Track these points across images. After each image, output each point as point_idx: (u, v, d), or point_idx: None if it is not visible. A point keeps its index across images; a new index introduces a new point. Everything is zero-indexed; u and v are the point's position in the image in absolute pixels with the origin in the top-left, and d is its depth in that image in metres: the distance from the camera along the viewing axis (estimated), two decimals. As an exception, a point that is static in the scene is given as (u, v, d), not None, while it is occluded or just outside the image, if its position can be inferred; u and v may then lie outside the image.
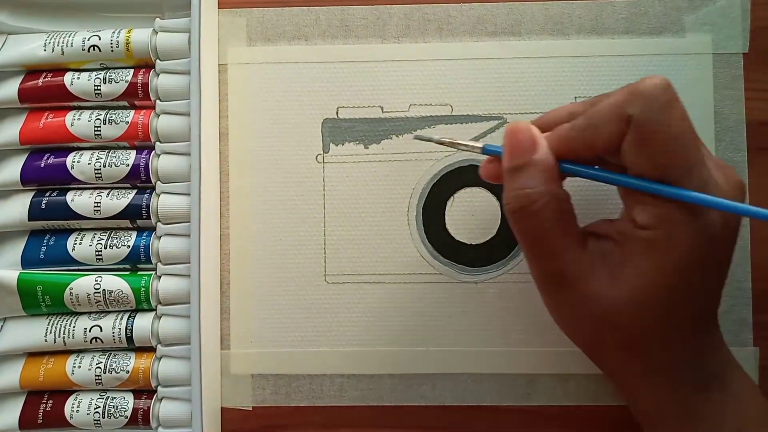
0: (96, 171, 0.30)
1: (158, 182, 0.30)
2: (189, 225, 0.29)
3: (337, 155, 0.31)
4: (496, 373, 0.31)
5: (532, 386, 0.31)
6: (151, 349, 0.30)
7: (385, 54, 0.31)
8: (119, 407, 0.30)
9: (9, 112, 0.31)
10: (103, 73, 0.31)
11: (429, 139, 0.28)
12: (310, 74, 0.32)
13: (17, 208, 0.30)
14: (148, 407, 0.30)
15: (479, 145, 0.26)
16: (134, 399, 0.30)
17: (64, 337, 0.30)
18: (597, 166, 0.25)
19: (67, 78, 0.31)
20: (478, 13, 0.31)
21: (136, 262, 0.30)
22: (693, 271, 0.23)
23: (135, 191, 0.31)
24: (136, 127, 0.30)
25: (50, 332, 0.30)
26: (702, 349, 0.25)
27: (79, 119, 0.30)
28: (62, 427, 0.30)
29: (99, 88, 0.30)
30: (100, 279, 0.30)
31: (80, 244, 0.30)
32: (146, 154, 0.30)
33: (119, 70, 0.31)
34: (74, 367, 0.30)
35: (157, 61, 0.30)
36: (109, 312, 0.30)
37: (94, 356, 0.30)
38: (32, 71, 0.31)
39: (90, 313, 0.30)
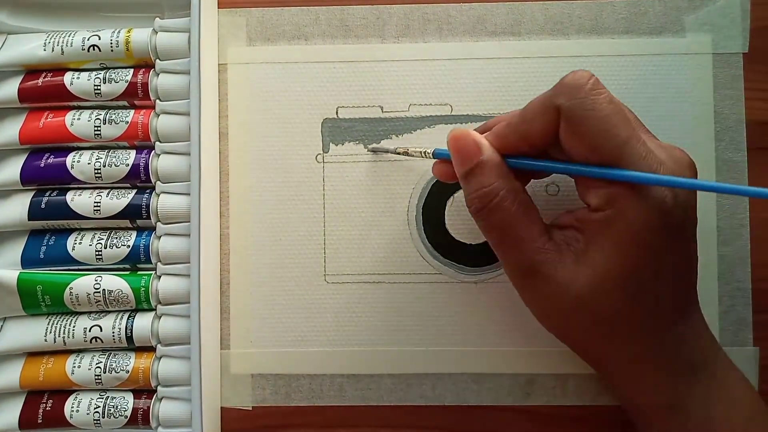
0: (96, 171, 0.30)
1: (158, 182, 0.30)
2: (189, 225, 0.29)
3: (336, 155, 0.31)
4: (496, 373, 0.31)
5: (531, 386, 0.31)
6: (151, 349, 0.30)
7: (385, 54, 0.32)
8: (119, 407, 0.30)
9: (9, 112, 0.31)
10: (102, 72, 0.31)
11: (386, 150, 0.31)
12: (310, 74, 0.32)
13: (17, 208, 0.30)
14: (148, 407, 0.30)
15: (430, 150, 0.28)
16: (134, 399, 0.30)
17: (64, 337, 0.30)
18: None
19: (67, 78, 0.31)
20: (478, 13, 0.31)
21: (136, 261, 0.30)
22: (651, 245, 0.23)
23: (135, 191, 0.31)
24: (135, 127, 0.30)
25: (50, 332, 0.30)
26: (683, 335, 0.25)
27: (78, 119, 0.30)
28: (62, 427, 0.30)
29: (99, 87, 0.30)
30: (100, 279, 0.30)
31: (80, 243, 0.30)
32: (146, 154, 0.30)
33: (119, 70, 0.31)
34: (74, 366, 0.30)
35: (157, 60, 0.30)
36: (109, 312, 0.30)
37: (94, 356, 0.30)
38: (32, 71, 0.31)
39: (90, 312, 0.30)
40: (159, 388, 0.30)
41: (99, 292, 0.30)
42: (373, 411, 0.31)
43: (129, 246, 0.30)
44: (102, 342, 0.30)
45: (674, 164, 0.24)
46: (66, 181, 0.30)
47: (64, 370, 0.30)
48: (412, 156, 0.29)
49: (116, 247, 0.30)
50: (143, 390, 0.30)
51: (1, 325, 0.31)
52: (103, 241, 0.30)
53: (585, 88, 0.23)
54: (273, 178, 0.32)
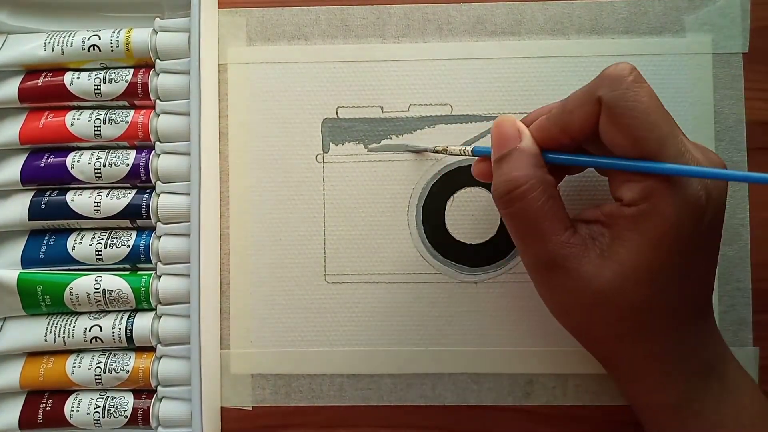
0: (96, 171, 0.30)
1: (158, 182, 0.30)
2: (189, 225, 0.29)
3: (337, 155, 0.31)
4: (496, 373, 0.31)
5: (531, 386, 0.31)
6: (151, 349, 0.30)
7: (385, 54, 0.32)
8: (119, 407, 0.30)
9: (9, 112, 0.31)
10: (103, 72, 0.31)
11: (424, 150, 0.30)
12: (310, 74, 0.32)
13: (17, 208, 0.30)
14: (148, 407, 0.30)
15: (469, 148, 0.28)
16: (134, 399, 0.30)
17: (64, 337, 0.30)
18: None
19: (67, 78, 0.31)
20: (478, 13, 0.31)
21: (136, 261, 0.30)
22: (680, 243, 0.23)
23: (135, 191, 0.31)
24: (136, 127, 0.30)
25: (50, 332, 0.30)
26: (698, 337, 0.25)
27: (79, 119, 0.30)
28: (62, 427, 0.30)
29: (99, 87, 0.30)
30: (100, 279, 0.30)
31: (80, 243, 0.30)
32: (146, 154, 0.30)
33: (119, 70, 0.31)
34: (74, 366, 0.30)
35: (157, 60, 0.30)
36: (109, 312, 0.30)
37: (94, 356, 0.30)
38: (32, 71, 0.31)
39: (90, 312, 0.30)
40: (159, 388, 0.30)
41: (99, 292, 0.30)
42: (373, 411, 0.31)
43: (129, 246, 0.30)
44: (102, 342, 0.30)
45: (709, 164, 0.24)
46: (66, 181, 0.30)
47: (64, 370, 0.30)
48: (451, 154, 0.29)
49: (116, 247, 0.30)
50: (143, 390, 0.30)
51: (1, 325, 0.31)
52: (103, 241, 0.30)
53: (627, 80, 0.23)
54: (273, 178, 0.32)
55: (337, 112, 0.32)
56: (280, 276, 0.31)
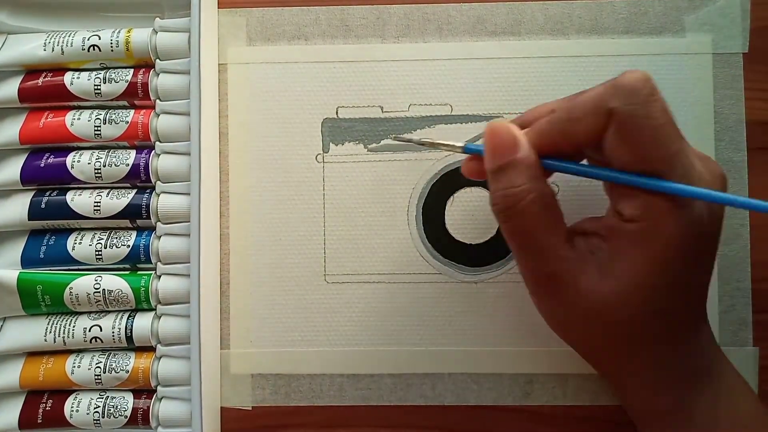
0: (96, 171, 0.30)
1: (158, 182, 0.30)
2: (189, 225, 0.29)
3: (336, 155, 0.31)
4: (496, 373, 0.31)
5: (531, 386, 0.31)
6: (151, 349, 0.30)
7: (385, 54, 0.32)
8: (119, 407, 0.30)
9: (9, 112, 0.31)
10: (103, 72, 0.31)
11: (409, 140, 0.28)
12: (310, 74, 0.32)
13: (17, 208, 0.30)
14: (148, 407, 0.30)
15: (460, 144, 0.26)
16: (134, 399, 0.30)
17: (63, 337, 0.30)
18: (581, 162, 0.25)
19: (67, 78, 0.31)
20: (478, 13, 0.31)
21: (136, 261, 0.30)
22: (681, 262, 0.23)
23: (135, 191, 0.31)
24: (135, 127, 0.30)
25: (50, 332, 0.30)
26: (693, 345, 0.25)
27: (79, 119, 0.30)
28: (62, 427, 0.30)
29: (99, 87, 0.30)
30: (99, 279, 0.30)
31: (80, 243, 0.30)
32: (146, 154, 0.30)
33: (119, 70, 0.31)
34: (74, 366, 0.30)
35: (157, 60, 0.30)
36: (109, 312, 0.30)
37: (94, 356, 0.30)
38: (32, 71, 0.31)
39: (90, 312, 0.30)
40: (159, 388, 0.30)
41: (99, 292, 0.30)
42: (373, 411, 0.31)
43: (129, 246, 0.30)
44: (102, 342, 0.30)
45: (711, 177, 0.23)
46: (66, 181, 0.30)
47: (64, 370, 0.30)
48: (439, 148, 0.27)
49: (116, 247, 0.30)
50: (143, 390, 0.30)
51: (1, 325, 0.31)
52: (103, 241, 0.30)
53: (642, 93, 0.22)
54: (273, 178, 0.32)
55: (337, 112, 0.32)
56: (280, 276, 0.31)
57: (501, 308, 0.31)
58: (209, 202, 0.30)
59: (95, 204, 0.30)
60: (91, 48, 0.30)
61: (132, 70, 0.31)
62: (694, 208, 0.23)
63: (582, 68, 0.31)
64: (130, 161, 0.30)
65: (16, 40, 0.31)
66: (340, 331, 0.31)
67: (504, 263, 0.31)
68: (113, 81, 0.30)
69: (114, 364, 0.30)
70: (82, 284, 0.30)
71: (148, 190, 0.31)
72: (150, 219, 0.30)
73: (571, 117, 0.23)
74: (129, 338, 0.30)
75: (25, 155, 0.31)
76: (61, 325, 0.30)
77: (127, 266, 0.31)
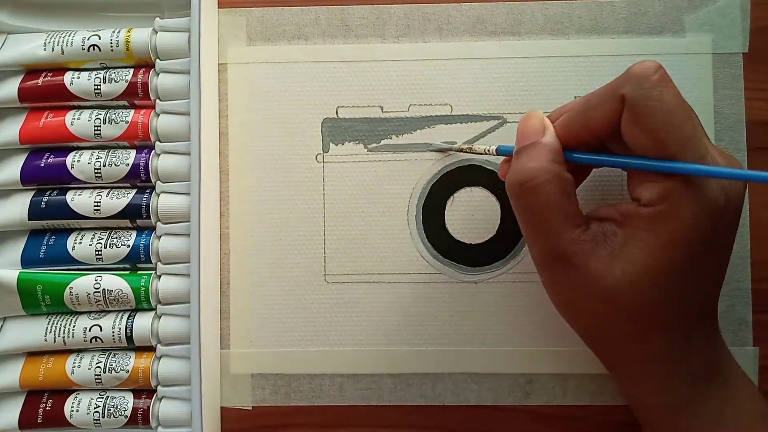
0: (96, 170, 0.30)
1: (158, 182, 0.30)
2: (189, 224, 0.29)
3: (336, 155, 0.31)
4: (496, 372, 0.31)
5: (531, 386, 0.31)
6: (151, 349, 0.30)
7: (385, 54, 0.32)
8: (119, 407, 0.30)
9: (9, 112, 0.31)
10: (102, 72, 0.31)
11: (448, 149, 0.30)
12: (310, 74, 0.32)
13: (17, 208, 0.30)
14: (148, 407, 0.30)
15: (494, 147, 0.28)
16: (134, 398, 0.30)
17: (63, 337, 0.30)
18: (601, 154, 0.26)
19: (67, 77, 0.31)
20: (478, 13, 0.31)
21: (136, 261, 0.30)
22: (696, 245, 0.23)
23: (135, 191, 0.31)
24: (135, 127, 0.30)
25: (50, 332, 0.30)
26: (701, 339, 0.25)
27: (78, 119, 0.30)
28: (62, 427, 0.30)
29: (99, 87, 0.30)
30: (99, 278, 0.30)
31: (80, 243, 0.30)
32: (146, 154, 0.30)
33: (119, 70, 0.31)
34: (74, 366, 0.30)
35: (157, 60, 0.30)
36: (109, 311, 0.30)
37: (94, 356, 0.30)
38: (32, 71, 0.31)
39: (90, 312, 0.30)
40: (159, 387, 0.30)
41: (99, 291, 0.30)
42: (373, 411, 0.31)
43: (129, 246, 0.30)
44: (102, 342, 0.30)
45: (726, 163, 0.24)
46: (66, 180, 0.30)
47: (64, 369, 0.30)
48: (476, 153, 0.29)
49: (116, 246, 0.30)
50: (143, 390, 0.30)
51: (1, 325, 0.31)
52: (103, 241, 0.30)
53: (652, 79, 0.23)
54: (273, 178, 0.32)
55: (337, 112, 0.32)
56: (280, 276, 0.31)
57: (501, 308, 0.31)
58: (209, 202, 0.30)
59: (95, 204, 0.30)
60: (91, 48, 0.30)
61: (132, 70, 0.31)
62: (710, 193, 0.23)
63: (582, 68, 0.31)
64: (130, 161, 0.30)
65: (16, 40, 0.31)
66: (340, 331, 0.31)
67: (504, 263, 0.31)
68: (113, 81, 0.30)
69: (114, 364, 0.30)
70: (82, 284, 0.30)
71: (148, 190, 0.31)
72: (150, 219, 0.30)
73: (588, 106, 0.24)
74: (129, 338, 0.30)
75: (25, 155, 0.31)
76: (61, 325, 0.30)
77: (127, 266, 0.31)
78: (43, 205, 0.30)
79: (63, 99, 0.31)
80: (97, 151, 0.31)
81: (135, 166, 0.30)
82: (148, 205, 0.30)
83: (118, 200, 0.30)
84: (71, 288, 0.30)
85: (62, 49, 0.30)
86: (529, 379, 0.31)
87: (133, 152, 0.31)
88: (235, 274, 0.31)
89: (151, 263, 0.30)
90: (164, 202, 0.30)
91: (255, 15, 0.32)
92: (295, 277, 0.31)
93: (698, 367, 0.25)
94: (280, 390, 0.31)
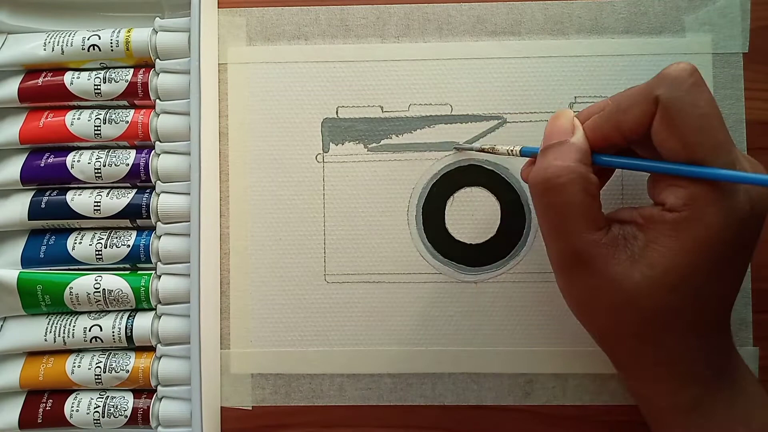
0: (96, 170, 0.30)
1: (158, 182, 0.30)
2: (189, 224, 0.29)
3: (336, 155, 0.31)
4: (496, 372, 0.31)
5: (531, 386, 0.31)
6: (151, 349, 0.30)
7: (385, 54, 0.32)
8: (119, 407, 0.30)
9: (9, 112, 0.31)
10: (103, 72, 0.31)
11: (470, 149, 0.30)
12: (310, 74, 0.32)
13: (17, 208, 0.30)
14: (148, 407, 0.30)
15: (518, 147, 0.27)
16: (134, 398, 0.30)
17: (63, 337, 0.30)
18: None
19: (67, 77, 0.31)
20: (478, 13, 0.31)
21: (136, 261, 0.30)
22: (718, 253, 0.23)
23: (135, 191, 0.31)
24: (135, 127, 0.30)
25: (50, 332, 0.30)
26: (716, 344, 0.25)
27: (78, 119, 0.30)
28: (62, 427, 0.30)
29: (99, 87, 0.30)
30: (100, 278, 0.30)
31: (80, 243, 0.30)
32: (146, 154, 0.31)
33: (119, 70, 0.31)
34: (74, 366, 0.30)
35: (157, 60, 0.30)
36: (109, 311, 0.30)
37: (94, 356, 0.30)
38: (32, 71, 0.31)
39: (90, 312, 0.30)
40: (159, 387, 0.30)
41: (99, 291, 0.30)
42: (373, 411, 0.31)
43: (129, 246, 0.30)
44: (102, 342, 0.30)
45: (755, 171, 0.24)
46: (66, 180, 0.30)
47: (64, 369, 0.30)
48: (498, 153, 0.29)
49: (116, 246, 0.30)
50: (143, 390, 0.30)
51: (1, 325, 0.31)
52: (103, 241, 0.30)
53: (688, 82, 0.22)
54: (273, 178, 0.32)
55: (337, 112, 0.32)
56: (280, 276, 0.31)
57: (501, 308, 0.31)
58: (209, 202, 0.30)
59: (95, 204, 0.30)
60: (91, 48, 0.30)
61: (132, 70, 0.31)
62: (737, 200, 0.23)
63: (582, 68, 0.31)
64: (130, 161, 0.30)
65: (16, 39, 0.31)
66: (340, 331, 0.31)
67: (504, 263, 0.31)
68: (113, 81, 0.30)
69: (114, 364, 0.30)
70: (82, 284, 0.30)
71: (148, 190, 0.31)
72: (150, 219, 0.30)
73: (620, 108, 0.24)
74: (129, 338, 0.30)
75: (25, 155, 0.31)
76: (61, 324, 0.30)
77: (127, 266, 0.31)
78: (43, 205, 0.30)
79: (63, 99, 0.31)
80: (97, 151, 0.31)
81: (135, 166, 0.30)
82: (148, 205, 0.30)
83: (118, 200, 0.30)
84: (71, 288, 0.30)
85: (62, 49, 0.30)
86: (529, 379, 0.31)
87: (133, 152, 0.31)
88: (235, 274, 0.31)
89: (151, 263, 0.30)
90: (164, 202, 0.30)
91: (255, 15, 0.32)
92: (295, 277, 0.31)
93: (710, 369, 0.25)
94: (280, 390, 0.31)
